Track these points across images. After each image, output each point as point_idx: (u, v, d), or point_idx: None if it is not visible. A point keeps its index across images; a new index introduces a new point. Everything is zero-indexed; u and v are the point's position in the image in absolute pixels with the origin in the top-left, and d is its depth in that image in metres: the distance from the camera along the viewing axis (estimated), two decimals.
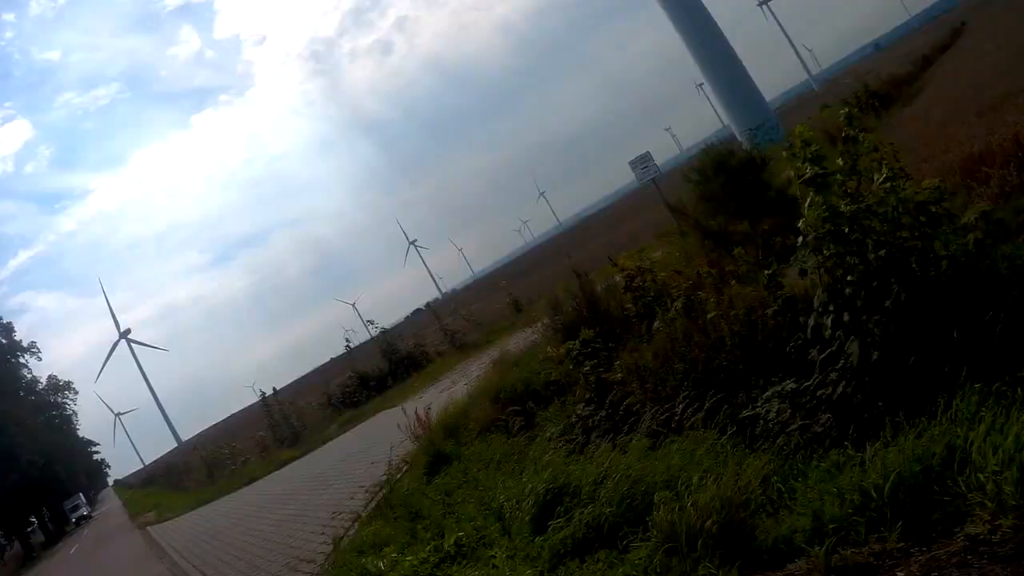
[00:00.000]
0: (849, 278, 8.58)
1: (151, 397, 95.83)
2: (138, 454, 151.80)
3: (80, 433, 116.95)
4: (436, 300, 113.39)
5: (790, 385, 9.23)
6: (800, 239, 9.19)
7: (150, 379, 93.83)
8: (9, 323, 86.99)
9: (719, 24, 71.95)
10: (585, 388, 13.93)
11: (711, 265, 16.30)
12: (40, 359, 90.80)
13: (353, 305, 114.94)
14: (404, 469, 17.63)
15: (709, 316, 12.13)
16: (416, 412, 18.25)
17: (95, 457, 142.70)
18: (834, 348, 8.66)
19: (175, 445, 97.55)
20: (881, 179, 8.73)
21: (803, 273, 9.55)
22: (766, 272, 10.89)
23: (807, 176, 8.92)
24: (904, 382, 7.68)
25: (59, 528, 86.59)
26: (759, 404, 9.64)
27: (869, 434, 7.62)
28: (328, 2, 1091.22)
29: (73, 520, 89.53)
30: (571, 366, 14.65)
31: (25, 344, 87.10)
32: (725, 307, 12.14)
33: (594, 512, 8.67)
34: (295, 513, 21.86)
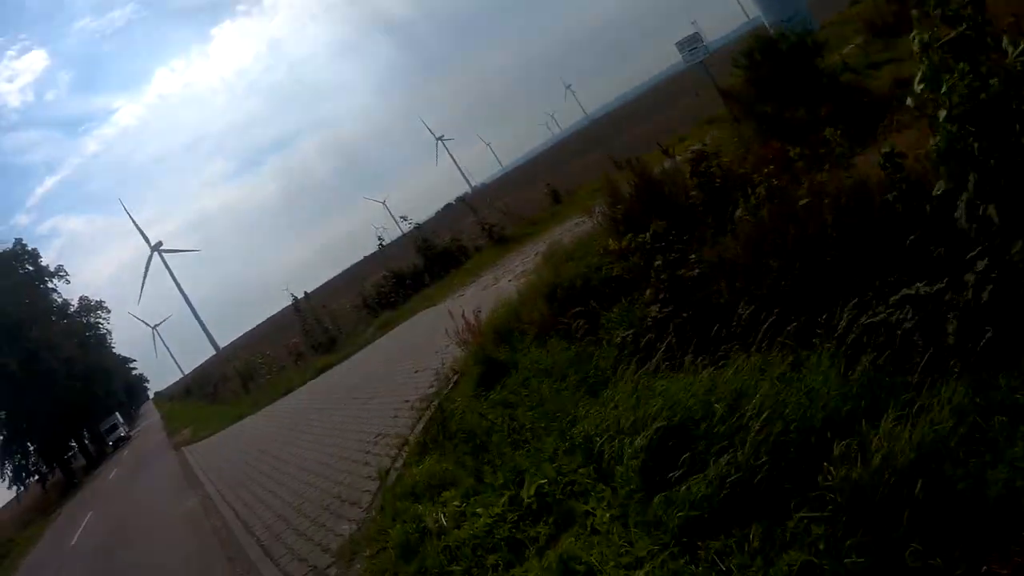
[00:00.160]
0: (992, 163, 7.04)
1: (187, 307, 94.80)
2: (177, 365, 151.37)
3: (117, 351, 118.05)
4: (467, 195, 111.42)
5: (923, 288, 7.60)
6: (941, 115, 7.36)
7: (185, 289, 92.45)
8: (34, 249, 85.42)
9: None
10: (657, 287, 11.88)
11: (774, 152, 14.79)
12: (68, 282, 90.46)
13: (383, 203, 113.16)
14: (453, 380, 15.65)
15: (801, 203, 10.37)
16: (463, 315, 16.12)
17: (134, 373, 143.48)
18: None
19: (214, 352, 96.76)
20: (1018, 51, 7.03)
21: (945, 157, 7.54)
22: (884, 150, 9.12)
23: (950, 37, 7.26)
24: None
25: (100, 449, 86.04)
26: (885, 310, 7.97)
27: None
28: None
29: (110, 443, 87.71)
30: (640, 261, 12.61)
31: (52, 269, 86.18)
32: (818, 193, 10.43)
33: (736, 462, 6.31)
34: (330, 435, 19.91)
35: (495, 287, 26.06)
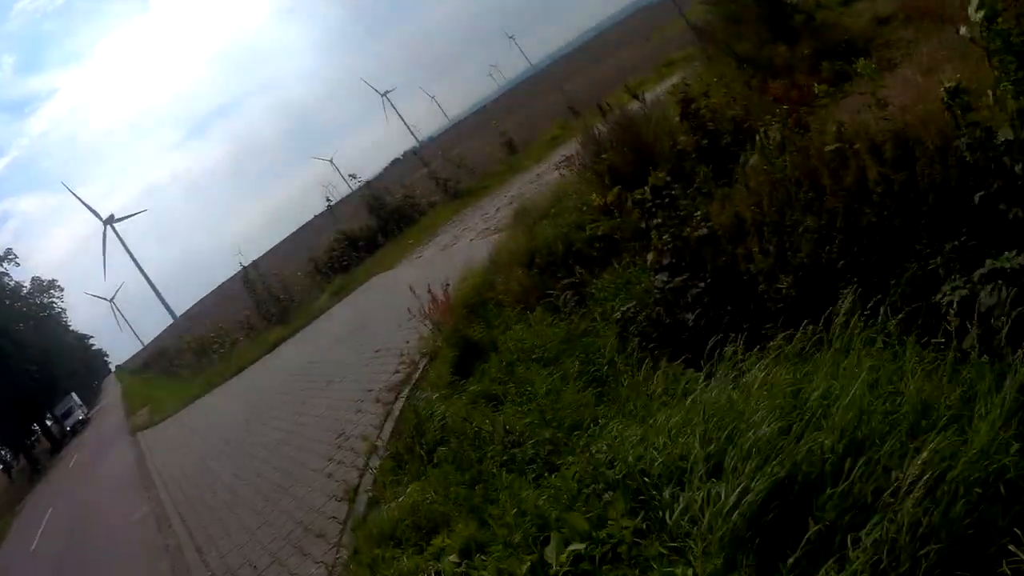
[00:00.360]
0: None
1: (142, 277, 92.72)
2: (137, 337, 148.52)
3: (77, 328, 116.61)
4: (415, 148, 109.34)
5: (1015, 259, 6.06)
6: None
7: (140, 259, 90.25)
8: None
9: None
10: (659, 250, 9.95)
11: (779, 92, 13.51)
12: (19, 264, 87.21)
13: (331, 161, 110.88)
14: (422, 365, 13.46)
15: (828, 149, 8.62)
16: (429, 290, 13.84)
17: (93, 348, 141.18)
18: None
19: (171, 321, 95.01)
20: None
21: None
22: (946, 86, 7.37)
23: None
24: None
25: (63, 430, 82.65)
26: (967, 285, 6.41)
27: None
28: None
29: (68, 428, 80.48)
30: (636, 219, 10.65)
31: (1, 253, 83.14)
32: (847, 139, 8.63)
33: (889, 541, 4.07)
34: (285, 436, 16.79)
35: (456, 247, 23.94)
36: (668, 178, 11.16)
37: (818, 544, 4.48)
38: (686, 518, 5.14)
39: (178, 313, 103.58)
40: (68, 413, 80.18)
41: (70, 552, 21.97)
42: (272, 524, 11.80)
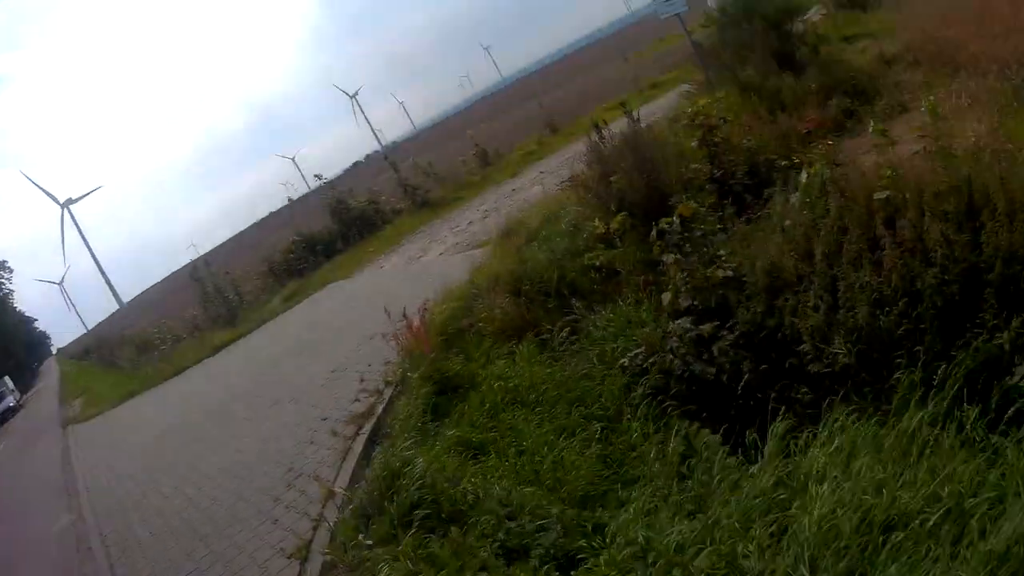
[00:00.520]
0: None
1: (93, 263, 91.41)
2: (82, 321, 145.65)
3: (26, 310, 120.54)
4: (378, 152, 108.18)
5: None
6: None
7: (92, 243, 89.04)
8: None
9: None
10: (679, 290, 8.71)
11: (813, 125, 13.51)
12: None
13: (293, 159, 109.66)
14: (388, 396, 11.82)
15: (879, 196, 7.60)
16: (406, 316, 12.14)
17: (37, 331, 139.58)
18: None
19: (117, 307, 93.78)
20: None
21: None
22: None
23: None
24: None
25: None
26: None
27: None
28: None
29: None
30: (662, 253, 9.28)
31: None
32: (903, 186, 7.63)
33: None
34: (225, 461, 14.06)
35: (423, 261, 22.36)
36: (703, 208, 9.83)
37: None
38: None
39: (127, 299, 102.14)
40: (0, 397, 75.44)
41: None
42: None
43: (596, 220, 11.52)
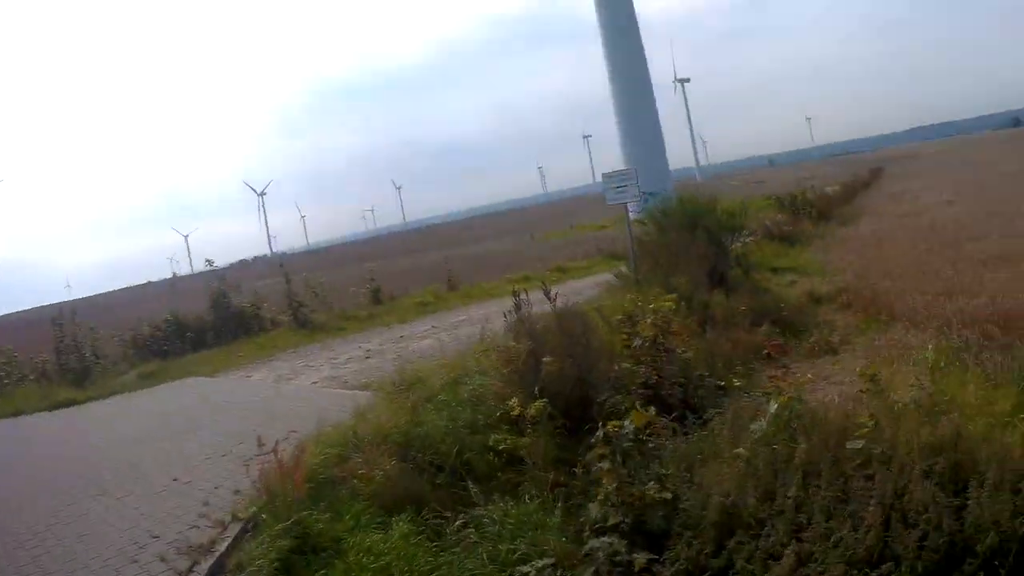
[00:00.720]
0: None
1: None
2: None
3: None
4: (264, 256, 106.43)
5: None
6: None
7: None
8: None
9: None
10: (610, 505, 7.57)
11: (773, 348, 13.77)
12: None
13: (186, 237, 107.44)
14: (234, 534, 9.85)
15: (853, 445, 7.13)
16: (277, 450, 10.30)
17: None
18: None
19: None
20: None
21: None
22: None
23: None
24: None
25: None
26: None
27: None
28: None
29: None
30: (599, 457, 8.11)
31: None
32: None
33: None
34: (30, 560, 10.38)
35: (293, 384, 20.41)
36: (663, 418, 8.66)
37: None
38: None
39: None
40: None
41: None
42: None
43: (514, 400, 10.17)
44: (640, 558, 6.69)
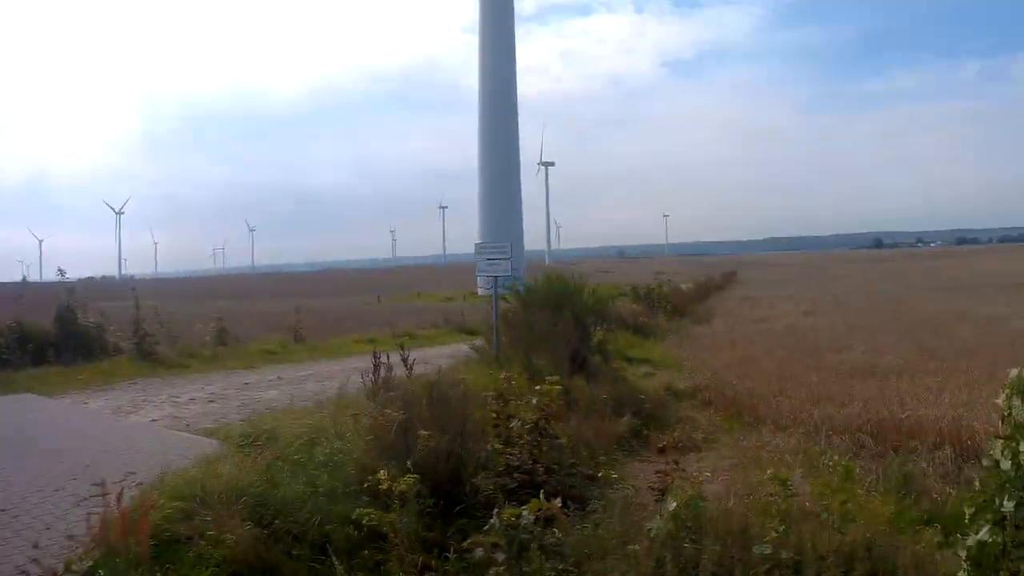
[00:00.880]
0: None
1: None
2: None
3: None
4: (111, 277, 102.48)
5: None
6: None
7: None
8: None
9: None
10: None
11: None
12: None
13: (41, 242, 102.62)
14: None
15: (760, 549, 6.86)
16: (120, 497, 9.24)
17: None
18: None
19: None
20: None
21: None
22: None
23: None
24: None
25: None
26: None
27: None
28: None
29: None
30: (491, 548, 7.59)
31: None
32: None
33: None
34: None
35: (132, 419, 18.79)
36: (558, 509, 8.04)
37: None
38: None
39: None
40: None
41: None
42: None
43: (382, 472, 9.46)
44: None
